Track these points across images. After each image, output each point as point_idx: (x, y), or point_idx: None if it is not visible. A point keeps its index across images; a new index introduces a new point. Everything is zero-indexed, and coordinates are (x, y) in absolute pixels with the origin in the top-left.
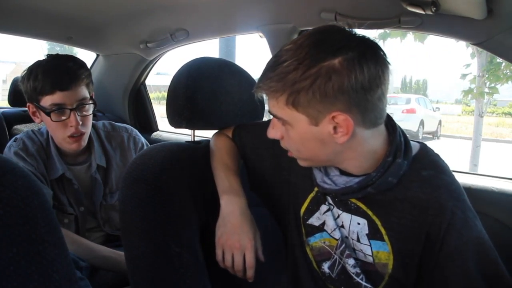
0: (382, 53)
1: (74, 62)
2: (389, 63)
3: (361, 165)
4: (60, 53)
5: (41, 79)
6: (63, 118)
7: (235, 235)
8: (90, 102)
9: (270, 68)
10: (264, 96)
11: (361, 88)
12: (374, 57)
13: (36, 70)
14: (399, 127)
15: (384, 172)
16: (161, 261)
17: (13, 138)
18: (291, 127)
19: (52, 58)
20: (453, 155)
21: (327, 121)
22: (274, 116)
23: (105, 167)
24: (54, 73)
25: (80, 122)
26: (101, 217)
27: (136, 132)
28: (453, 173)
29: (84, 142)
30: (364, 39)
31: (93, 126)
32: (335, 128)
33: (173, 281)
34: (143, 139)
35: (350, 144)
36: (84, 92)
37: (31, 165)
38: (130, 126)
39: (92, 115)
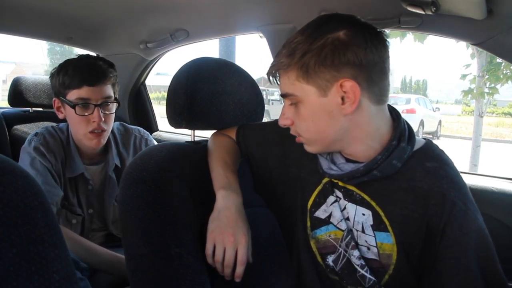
0: (383, 35)
1: (104, 61)
2: (388, 44)
3: (367, 149)
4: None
5: (71, 74)
6: (87, 113)
7: (230, 229)
8: (114, 101)
9: (282, 47)
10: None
11: (364, 58)
12: (375, 34)
13: (67, 66)
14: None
15: (388, 155)
16: (161, 261)
17: (34, 133)
18: (302, 104)
19: (83, 57)
20: (453, 155)
21: (336, 90)
22: (286, 95)
23: (120, 167)
24: (84, 69)
25: (103, 119)
26: (110, 218)
27: (147, 134)
28: None
29: (104, 140)
30: (367, 23)
31: None
32: (342, 98)
33: (173, 281)
34: (154, 141)
35: (357, 119)
36: (110, 90)
37: (49, 162)
38: (142, 129)
39: (114, 114)
